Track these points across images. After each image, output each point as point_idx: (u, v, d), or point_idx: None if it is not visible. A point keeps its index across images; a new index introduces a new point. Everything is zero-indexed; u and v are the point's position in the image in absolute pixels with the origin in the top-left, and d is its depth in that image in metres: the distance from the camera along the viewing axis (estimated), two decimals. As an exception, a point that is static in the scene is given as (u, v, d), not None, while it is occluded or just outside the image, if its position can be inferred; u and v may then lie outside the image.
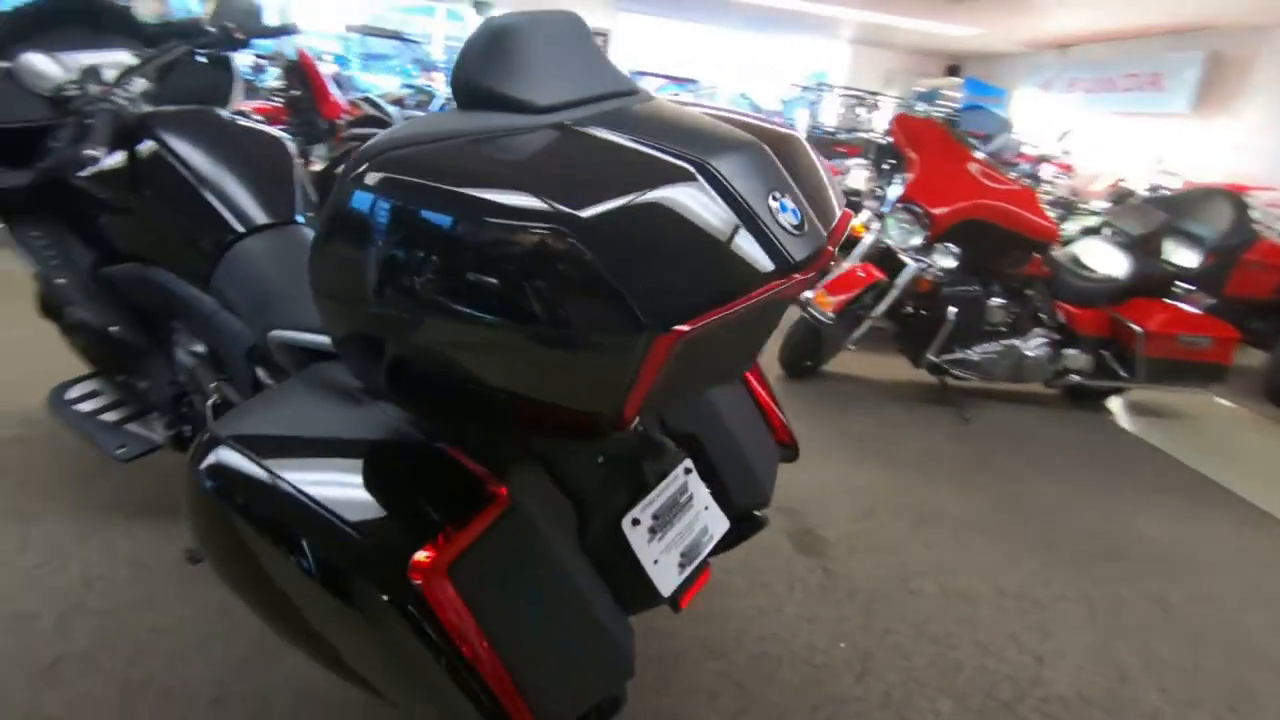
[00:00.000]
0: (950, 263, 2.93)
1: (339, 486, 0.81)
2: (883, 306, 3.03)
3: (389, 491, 0.82)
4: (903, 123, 3.17)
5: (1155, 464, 2.97)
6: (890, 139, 3.17)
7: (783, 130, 0.84)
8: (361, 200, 0.66)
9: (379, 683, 0.89)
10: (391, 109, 5.39)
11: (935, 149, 3.03)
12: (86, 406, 1.66)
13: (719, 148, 0.70)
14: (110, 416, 1.65)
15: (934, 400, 3.26)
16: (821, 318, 2.94)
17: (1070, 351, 3.25)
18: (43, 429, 1.95)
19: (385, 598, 0.74)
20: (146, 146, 1.39)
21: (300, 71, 4.66)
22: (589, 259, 0.59)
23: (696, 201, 0.65)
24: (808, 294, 3.03)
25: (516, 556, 0.84)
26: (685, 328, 0.61)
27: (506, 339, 0.64)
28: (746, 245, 0.66)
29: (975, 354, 3.13)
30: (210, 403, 1.33)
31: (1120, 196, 5.00)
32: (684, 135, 0.73)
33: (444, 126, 0.71)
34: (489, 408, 0.76)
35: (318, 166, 4.38)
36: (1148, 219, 3.32)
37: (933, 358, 3.07)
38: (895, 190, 3.05)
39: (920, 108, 3.28)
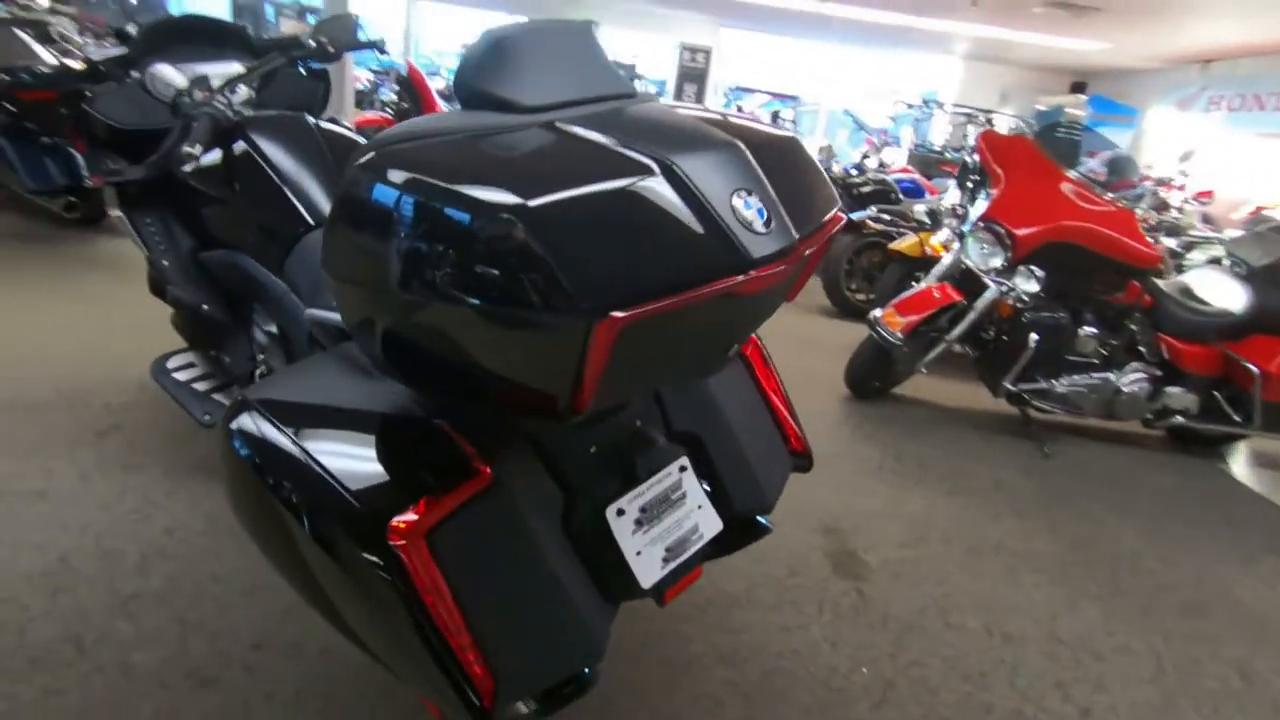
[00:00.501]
0: (1033, 286, 2.76)
1: (341, 453, 0.89)
2: (959, 330, 2.90)
3: (383, 460, 0.89)
4: (989, 139, 3.03)
5: (1268, 522, 2.66)
6: (976, 156, 3.04)
7: (774, 133, 0.86)
8: (354, 185, 0.74)
9: (373, 647, 0.95)
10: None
11: (1023, 167, 2.87)
12: (182, 376, 1.87)
13: (687, 146, 0.73)
14: (201, 386, 1.85)
15: (1013, 432, 3.08)
16: (889, 337, 2.85)
17: (1173, 390, 2.97)
18: (152, 394, 2.21)
19: (367, 556, 0.81)
20: (239, 146, 1.57)
21: (410, 85, 5.02)
22: (533, 245, 0.63)
23: (650, 195, 0.68)
24: (876, 312, 2.95)
25: (494, 531, 0.89)
26: (621, 314, 0.63)
27: (468, 319, 0.69)
28: (696, 240, 0.69)
29: (1060, 385, 2.93)
30: (258, 373, 1.47)
31: (1257, 225, 4.52)
32: (660, 134, 0.76)
33: (439, 124, 0.78)
34: (467, 385, 0.81)
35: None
36: (1272, 247, 2.99)
37: (1010, 386, 2.90)
38: (978, 208, 2.92)
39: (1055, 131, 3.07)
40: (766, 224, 0.73)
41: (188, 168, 1.50)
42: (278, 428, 0.90)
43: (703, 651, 1.57)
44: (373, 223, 0.72)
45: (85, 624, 1.41)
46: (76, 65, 3.67)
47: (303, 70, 1.99)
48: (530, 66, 0.82)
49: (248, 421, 0.93)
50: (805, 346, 3.87)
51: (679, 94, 12.11)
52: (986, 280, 2.84)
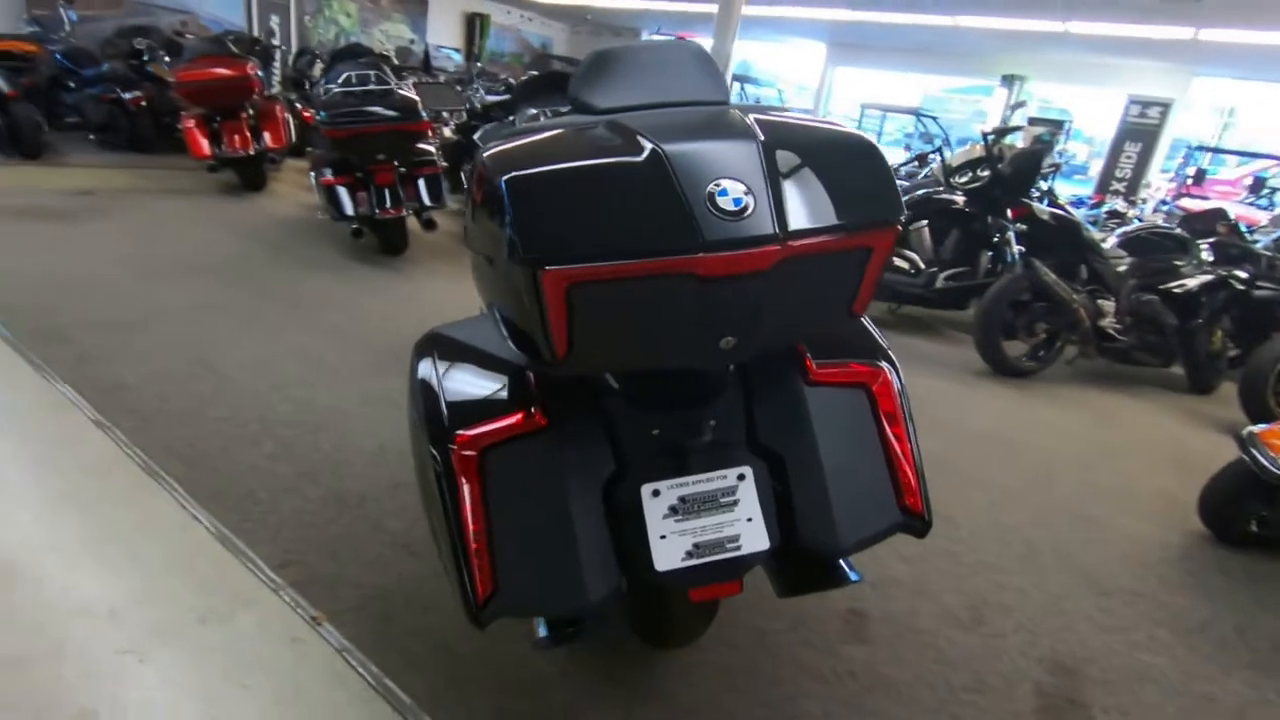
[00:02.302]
0: None
1: (456, 379, 1.14)
2: None
3: (477, 391, 1.11)
4: None
5: None
6: None
7: (828, 136, 0.83)
8: (471, 175, 0.98)
9: (431, 532, 1.12)
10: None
11: None
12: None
13: (692, 137, 0.79)
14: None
15: None
16: (1270, 465, 2.08)
17: None
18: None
19: (433, 454, 1.04)
20: None
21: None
22: (507, 208, 0.77)
23: (620, 173, 0.76)
24: (1252, 429, 2.18)
25: (534, 469, 1.04)
26: (558, 268, 0.73)
27: (493, 272, 0.86)
28: (653, 215, 0.74)
29: None
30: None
31: None
32: (684, 128, 0.83)
33: (535, 126, 0.98)
34: (517, 335, 0.98)
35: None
36: None
37: None
38: None
39: None
40: (740, 212, 0.74)
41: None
42: (432, 357, 1.20)
43: None
44: (475, 202, 0.95)
45: (367, 489, 1.97)
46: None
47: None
48: (620, 78, 0.96)
49: (424, 348, 1.25)
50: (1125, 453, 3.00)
51: (1114, 154, 10.32)
52: None
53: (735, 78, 11.22)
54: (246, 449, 2.09)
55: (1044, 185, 5.17)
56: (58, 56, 6.89)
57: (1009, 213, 4.23)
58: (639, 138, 0.80)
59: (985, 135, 4.50)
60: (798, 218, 0.77)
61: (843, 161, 0.82)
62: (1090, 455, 2.93)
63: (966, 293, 4.50)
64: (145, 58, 6.70)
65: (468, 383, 1.13)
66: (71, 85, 6.86)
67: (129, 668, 1.34)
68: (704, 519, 1.05)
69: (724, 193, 0.75)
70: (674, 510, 1.05)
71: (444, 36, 12.76)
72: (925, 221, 4.59)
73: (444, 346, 1.21)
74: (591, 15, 13.38)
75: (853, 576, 1.15)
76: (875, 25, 9.81)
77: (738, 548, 1.05)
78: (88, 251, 3.81)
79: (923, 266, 4.47)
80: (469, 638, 1.47)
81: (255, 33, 9.18)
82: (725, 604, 1.66)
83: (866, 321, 1.28)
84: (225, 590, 1.56)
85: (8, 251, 3.63)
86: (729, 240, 0.74)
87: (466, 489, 1.01)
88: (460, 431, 1.03)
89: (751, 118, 0.85)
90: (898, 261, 4.45)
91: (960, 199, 4.54)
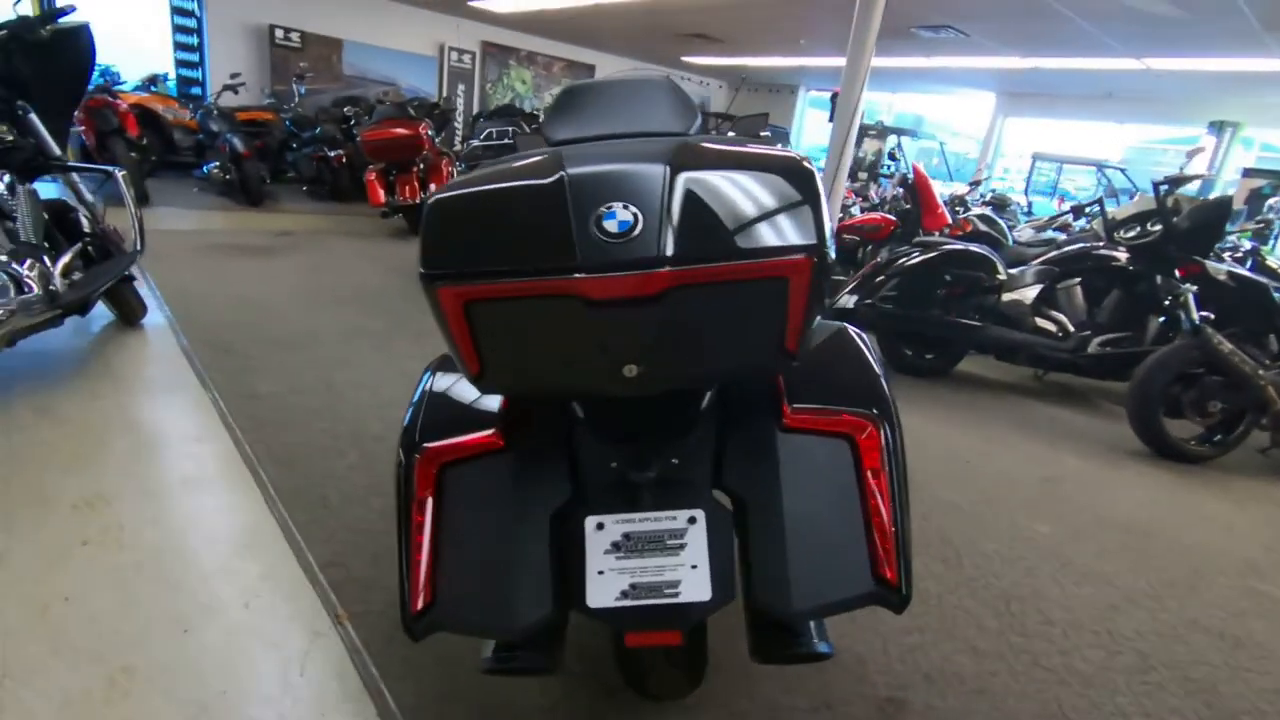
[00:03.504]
0: None
1: (440, 394, 1.20)
2: None
3: (454, 408, 1.16)
4: None
5: None
6: None
7: (771, 157, 0.80)
8: None
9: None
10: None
11: None
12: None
13: (599, 162, 0.79)
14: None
15: None
16: None
17: None
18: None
19: (400, 461, 1.09)
20: None
21: (914, 188, 5.14)
22: (430, 224, 0.81)
23: (524, 194, 0.78)
24: None
25: (487, 488, 1.06)
26: (450, 286, 0.76)
27: None
28: (538, 238, 0.75)
29: None
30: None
31: None
32: (603, 155, 0.83)
33: (504, 158, 1.02)
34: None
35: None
36: None
37: None
38: None
39: None
40: (623, 235, 0.72)
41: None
42: (433, 371, 1.28)
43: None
44: None
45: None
46: None
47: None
48: (584, 111, 0.99)
49: (434, 364, 1.32)
50: None
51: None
52: None
53: (889, 129, 10.89)
54: (333, 458, 2.31)
55: (1245, 244, 4.44)
56: (287, 123, 8.30)
57: (1176, 271, 3.68)
58: (560, 163, 0.81)
59: (1157, 185, 3.98)
60: (690, 243, 0.74)
61: (764, 188, 0.78)
62: (1261, 561, 2.40)
63: (1127, 360, 3.92)
64: (351, 122, 7.87)
65: (449, 399, 1.18)
66: (294, 146, 8.23)
67: (174, 635, 1.51)
68: (646, 559, 1.00)
69: (610, 215, 0.74)
70: (616, 546, 1.01)
71: (608, 99, 13.67)
72: (1078, 279, 4.10)
73: (447, 363, 1.27)
74: (747, 75, 13.71)
75: (821, 648, 1.03)
76: (1050, 72, 9.10)
77: (676, 594, 0.99)
78: (273, 280, 4.48)
79: (1071, 329, 3.98)
80: (474, 655, 1.49)
81: (441, 99, 10.42)
82: (743, 668, 1.55)
83: (878, 367, 1.18)
84: (275, 579, 1.72)
85: (211, 278, 4.35)
86: (607, 263, 0.73)
87: (420, 500, 1.05)
88: (427, 444, 1.08)
89: (679, 144, 0.83)
90: (1041, 323, 4.00)
91: (1123, 255, 4.02)
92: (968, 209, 6.15)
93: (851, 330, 1.31)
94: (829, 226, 0.83)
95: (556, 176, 0.78)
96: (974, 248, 4.04)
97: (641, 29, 10.11)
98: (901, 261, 4.06)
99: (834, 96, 4.69)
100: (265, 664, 1.46)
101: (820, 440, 1.05)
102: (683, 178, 0.76)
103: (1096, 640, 1.85)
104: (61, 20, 2.59)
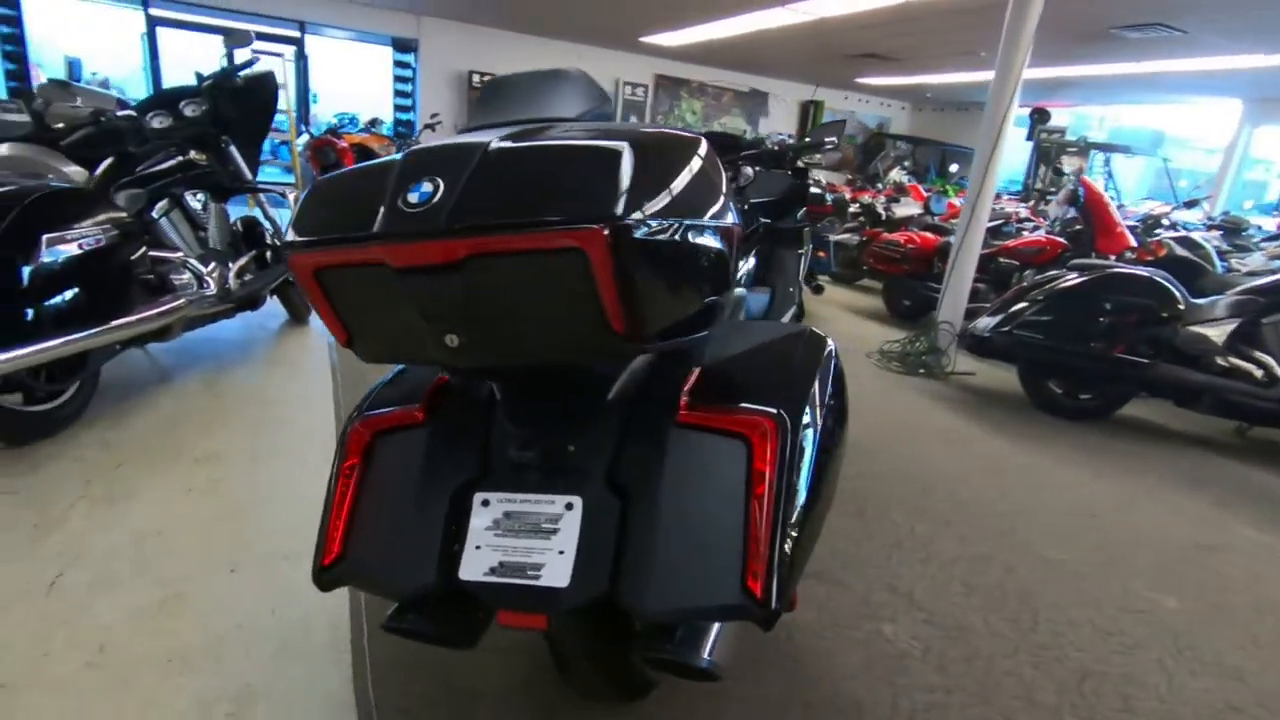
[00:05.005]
0: None
1: (398, 373, 1.30)
2: None
3: (401, 383, 1.25)
4: None
5: None
6: None
7: (607, 131, 0.80)
8: None
9: None
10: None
11: None
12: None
13: (444, 141, 0.84)
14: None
15: None
16: None
17: None
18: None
19: (345, 426, 1.20)
20: None
21: (1085, 208, 4.51)
22: (301, 201, 0.91)
23: (371, 173, 0.85)
24: None
25: (403, 458, 1.13)
26: (297, 252, 0.84)
27: None
28: (359, 209, 0.80)
29: None
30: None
31: None
32: (462, 135, 0.87)
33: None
34: None
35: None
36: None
37: None
38: None
39: None
40: (421, 205, 0.75)
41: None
42: None
43: None
44: None
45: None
46: None
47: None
48: (500, 100, 1.04)
49: None
50: None
51: None
52: None
53: (1094, 145, 9.62)
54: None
55: None
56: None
57: None
58: (414, 145, 0.88)
59: None
60: (481, 212, 0.75)
61: (576, 162, 0.77)
62: None
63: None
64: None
65: (410, 376, 1.28)
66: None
67: (223, 573, 1.76)
68: (519, 540, 1.00)
69: (416, 188, 0.77)
70: (496, 524, 1.02)
71: (780, 124, 13.62)
72: (1293, 313, 3.33)
73: None
74: (931, 94, 12.88)
75: (697, 662, 0.95)
76: (1313, 69, 7.50)
77: (537, 577, 0.97)
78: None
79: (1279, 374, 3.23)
80: (477, 675, 1.49)
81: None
82: (725, 690, 1.47)
83: (821, 371, 1.09)
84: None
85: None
86: (399, 232, 0.76)
87: (348, 462, 1.15)
88: (367, 413, 1.18)
89: (539, 125, 0.86)
90: (1236, 363, 3.30)
91: (1364, 285, 3.20)
92: (1175, 229, 5.26)
93: (814, 332, 1.22)
94: (658, 206, 0.79)
95: (403, 155, 0.84)
96: (1143, 271, 3.45)
97: (808, 53, 9.96)
98: (1051, 285, 3.58)
99: (1034, 113, 4.26)
100: (274, 644, 1.54)
101: (715, 439, 0.99)
102: (494, 149, 0.78)
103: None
104: (250, 69, 3.18)
